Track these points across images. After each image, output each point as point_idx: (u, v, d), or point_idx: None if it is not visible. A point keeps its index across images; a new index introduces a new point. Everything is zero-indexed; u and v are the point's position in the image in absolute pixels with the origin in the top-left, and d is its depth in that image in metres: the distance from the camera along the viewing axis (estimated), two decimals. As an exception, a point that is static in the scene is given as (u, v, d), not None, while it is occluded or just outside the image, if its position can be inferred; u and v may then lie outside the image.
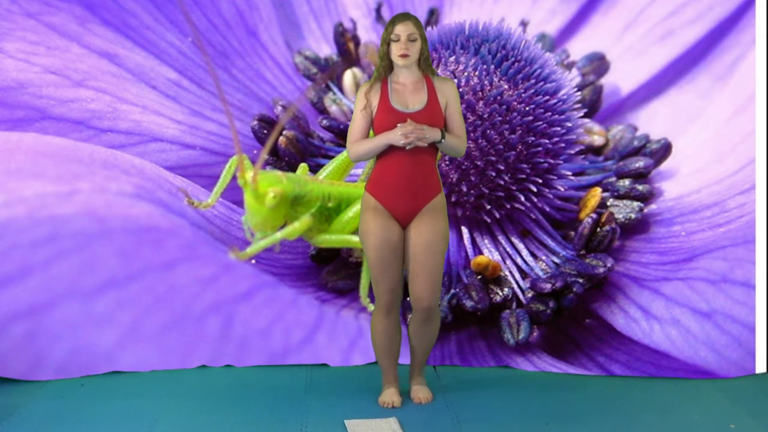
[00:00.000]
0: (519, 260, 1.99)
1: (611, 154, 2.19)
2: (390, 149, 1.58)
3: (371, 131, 1.61)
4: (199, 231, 1.79)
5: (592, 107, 2.23)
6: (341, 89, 2.20)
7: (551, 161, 1.95)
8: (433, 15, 2.29)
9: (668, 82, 2.30)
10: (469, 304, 1.91)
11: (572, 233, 2.02)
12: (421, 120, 1.57)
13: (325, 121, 2.11)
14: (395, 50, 1.58)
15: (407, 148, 1.56)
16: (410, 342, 1.69)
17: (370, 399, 1.70)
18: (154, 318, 1.70)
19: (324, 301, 1.93)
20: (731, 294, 1.85)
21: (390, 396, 1.68)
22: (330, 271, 1.98)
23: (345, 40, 2.22)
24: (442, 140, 1.57)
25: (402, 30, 1.57)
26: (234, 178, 1.70)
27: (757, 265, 1.88)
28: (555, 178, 2.00)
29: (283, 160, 2.06)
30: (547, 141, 1.91)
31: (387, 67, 1.60)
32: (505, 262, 1.99)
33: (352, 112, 1.80)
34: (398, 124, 1.56)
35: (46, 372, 1.73)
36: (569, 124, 1.95)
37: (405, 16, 1.58)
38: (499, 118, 1.88)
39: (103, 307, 1.68)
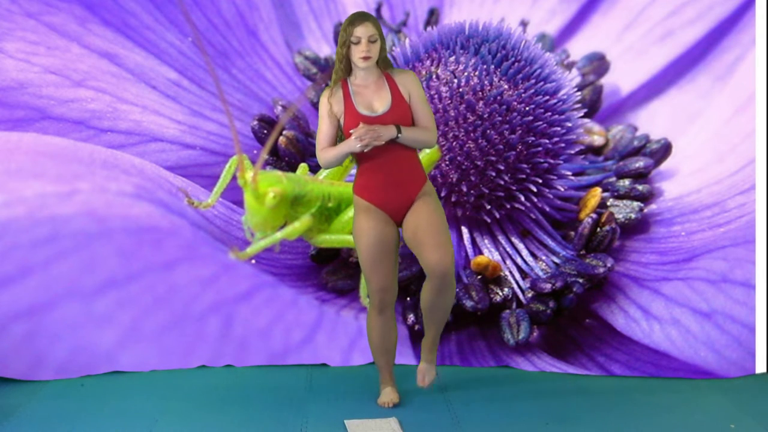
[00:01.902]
0: (519, 260, 1.99)
1: (611, 154, 2.19)
2: (368, 151, 1.58)
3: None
4: (199, 231, 1.79)
5: (592, 107, 2.23)
6: (341, 89, 2.20)
7: (551, 161, 1.95)
8: (433, 15, 2.29)
9: (668, 82, 2.30)
10: (469, 304, 1.91)
11: (572, 233, 2.02)
12: (389, 121, 1.56)
13: (325, 121, 2.11)
14: (356, 53, 1.55)
15: (365, 150, 1.55)
16: (423, 316, 1.66)
17: (370, 399, 1.70)
18: (154, 318, 1.70)
19: (324, 301, 1.93)
20: (731, 294, 1.85)
21: (388, 395, 1.68)
22: (330, 271, 1.98)
23: (345, 40, 2.22)
24: (399, 135, 1.56)
25: (362, 32, 1.55)
26: (234, 178, 1.69)
27: (757, 265, 1.88)
28: (555, 178, 2.00)
29: (283, 160, 2.06)
30: (547, 141, 1.91)
31: (345, 69, 1.58)
32: (505, 262, 1.99)
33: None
34: (351, 130, 1.55)
35: (46, 372, 1.73)
36: (569, 124, 1.95)
37: (363, 17, 1.56)
38: (499, 118, 1.88)
39: (103, 307, 1.68)
